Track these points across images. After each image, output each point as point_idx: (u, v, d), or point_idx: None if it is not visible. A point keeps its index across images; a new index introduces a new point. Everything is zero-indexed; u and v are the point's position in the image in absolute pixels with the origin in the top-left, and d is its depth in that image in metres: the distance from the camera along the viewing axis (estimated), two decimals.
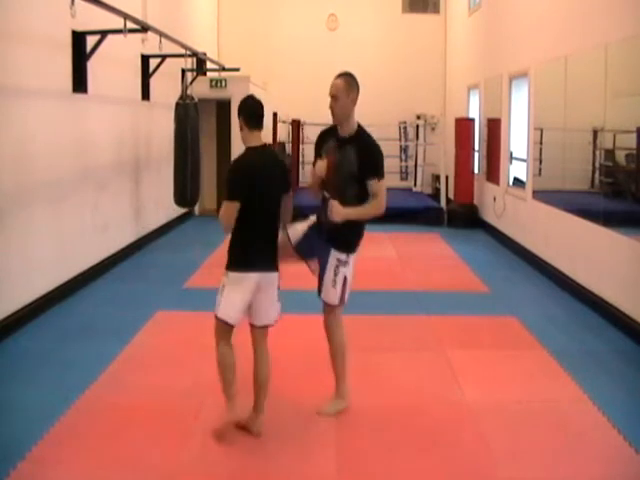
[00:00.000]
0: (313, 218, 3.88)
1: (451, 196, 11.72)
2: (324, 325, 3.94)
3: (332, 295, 3.78)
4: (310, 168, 3.92)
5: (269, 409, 3.94)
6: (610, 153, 6.19)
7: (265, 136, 12.52)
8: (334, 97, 3.63)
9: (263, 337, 3.69)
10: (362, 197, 3.65)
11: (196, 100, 7.81)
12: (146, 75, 8.73)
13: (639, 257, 5.24)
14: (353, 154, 3.62)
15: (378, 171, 3.61)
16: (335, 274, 3.74)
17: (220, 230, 3.68)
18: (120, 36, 6.44)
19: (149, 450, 3.44)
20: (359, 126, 3.72)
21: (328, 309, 3.89)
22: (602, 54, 5.88)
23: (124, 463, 3.33)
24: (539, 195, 7.86)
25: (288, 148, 13.51)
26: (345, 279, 3.76)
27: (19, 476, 3.18)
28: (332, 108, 3.67)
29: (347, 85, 3.63)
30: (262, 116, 3.63)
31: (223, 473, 3.28)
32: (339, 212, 3.59)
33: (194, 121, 7.69)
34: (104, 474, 3.25)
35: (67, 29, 6.24)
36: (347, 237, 3.75)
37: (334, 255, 3.72)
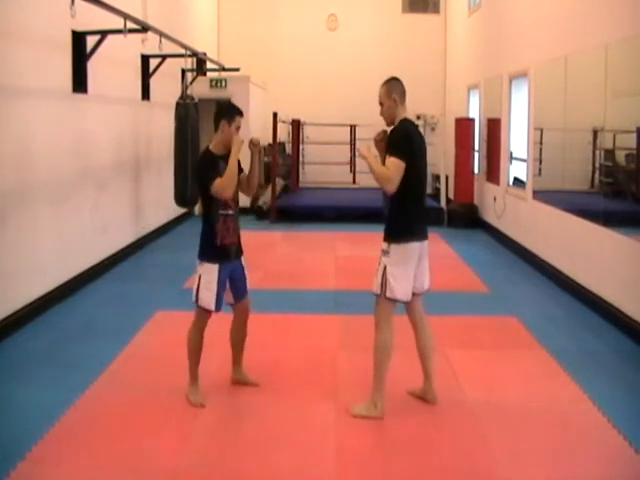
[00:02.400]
0: None
1: (451, 196, 11.72)
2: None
3: (375, 282, 3.82)
4: None
5: (268, 409, 3.95)
6: (610, 153, 6.19)
7: (265, 136, 12.59)
8: (380, 104, 3.89)
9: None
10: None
11: (196, 100, 7.81)
12: (146, 75, 8.73)
13: (639, 257, 5.24)
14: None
15: (393, 150, 3.72)
16: (379, 262, 3.81)
17: None
18: (120, 36, 6.44)
19: (149, 450, 3.44)
20: (402, 120, 3.86)
21: (375, 300, 3.87)
22: (602, 54, 5.88)
23: (124, 463, 3.33)
24: (539, 195, 7.86)
25: (288, 148, 13.52)
26: (385, 269, 3.75)
27: (19, 476, 3.18)
28: (381, 114, 3.91)
29: (387, 89, 3.87)
30: None
31: (223, 473, 3.28)
32: (363, 148, 3.82)
33: (194, 121, 7.70)
34: (104, 474, 3.24)
35: (67, 29, 6.24)
36: (388, 226, 3.83)
37: (382, 244, 3.81)
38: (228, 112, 3.95)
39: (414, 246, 3.80)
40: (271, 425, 3.74)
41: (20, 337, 5.15)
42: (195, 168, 4.01)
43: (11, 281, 5.27)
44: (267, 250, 8.53)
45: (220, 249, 3.92)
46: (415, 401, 4.09)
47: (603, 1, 6.13)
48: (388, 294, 3.77)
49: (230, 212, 3.97)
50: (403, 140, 3.74)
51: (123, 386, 4.25)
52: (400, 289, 3.77)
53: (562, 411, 3.97)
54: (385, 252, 3.77)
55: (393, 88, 3.85)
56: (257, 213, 11.27)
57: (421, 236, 3.87)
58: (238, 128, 3.96)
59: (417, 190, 3.83)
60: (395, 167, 3.67)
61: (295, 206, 11.54)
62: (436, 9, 14.39)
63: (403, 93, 3.87)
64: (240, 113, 3.99)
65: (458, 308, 6.08)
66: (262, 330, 5.37)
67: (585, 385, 4.27)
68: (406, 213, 3.80)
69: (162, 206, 9.23)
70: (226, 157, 3.90)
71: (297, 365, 4.65)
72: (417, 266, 3.86)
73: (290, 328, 5.48)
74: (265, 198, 11.43)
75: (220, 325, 4.20)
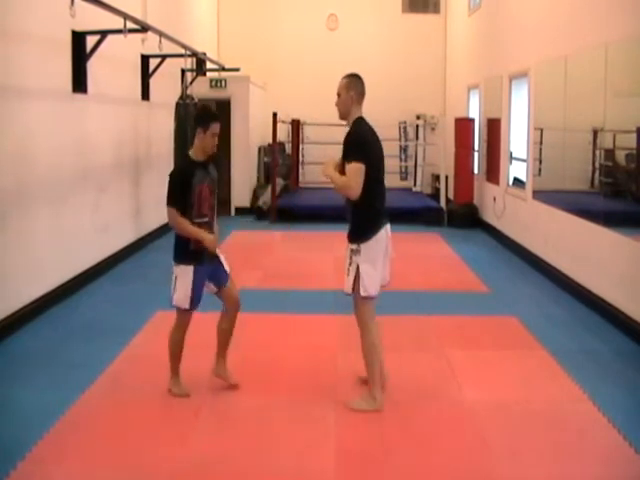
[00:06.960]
0: None
1: (451, 196, 11.72)
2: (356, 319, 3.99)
3: (346, 283, 3.86)
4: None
5: (268, 409, 3.95)
6: (610, 153, 6.19)
7: (265, 136, 12.56)
8: (338, 94, 3.96)
9: None
10: None
11: (196, 100, 7.82)
12: (146, 75, 8.73)
13: (639, 257, 5.24)
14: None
15: (351, 154, 3.80)
16: (349, 263, 3.85)
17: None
18: (120, 36, 6.44)
19: (149, 450, 3.44)
20: (356, 119, 3.94)
21: (354, 302, 3.94)
22: (602, 54, 5.88)
23: (124, 463, 3.33)
24: (539, 195, 7.86)
25: (288, 148, 13.51)
26: (358, 268, 3.80)
27: (19, 476, 3.18)
28: (336, 104, 3.97)
29: (347, 83, 3.95)
30: None
31: (223, 473, 3.28)
32: (325, 168, 3.99)
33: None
34: (104, 474, 3.24)
35: (67, 29, 6.24)
36: (354, 227, 3.89)
37: (349, 245, 3.88)
38: (202, 120, 3.90)
39: (381, 234, 3.89)
40: (271, 425, 3.74)
41: (20, 337, 5.15)
42: (170, 173, 4.04)
43: (11, 281, 5.27)
44: (267, 250, 8.52)
45: (194, 253, 4.04)
46: (414, 401, 4.09)
47: (603, 1, 6.13)
48: (362, 293, 3.82)
49: (205, 220, 4.03)
50: (359, 143, 3.83)
51: (123, 386, 4.25)
52: (372, 285, 3.84)
53: (562, 411, 3.98)
54: (355, 251, 3.83)
55: (353, 85, 3.93)
56: (257, 213, 11.27)
57: (384, 222, 3.95)
58: (215, 135, 3.90)
59: (378, 188, 3.90)
60: (356, 172, 3.74)
61: (295, 206, 11.53)
62: (436, 9, 14.39)
63: (362, 94, 3.96)
64: (215, 118, 3.90)
65: (458, 308, 6.09)
66: (262, 330, 5.38)
67: (585, 385, 4.28)
68: (369, 212, 3.87)
69: (162, 206, 9.19)
70: (204, 163, 3.96)
71: (297, 365, 4.65)
72: (382, 259, 3.94)
73: (290, 328, 5.49)
74: (265, 198, 11.42)
75: (215, 326, 4.20)
